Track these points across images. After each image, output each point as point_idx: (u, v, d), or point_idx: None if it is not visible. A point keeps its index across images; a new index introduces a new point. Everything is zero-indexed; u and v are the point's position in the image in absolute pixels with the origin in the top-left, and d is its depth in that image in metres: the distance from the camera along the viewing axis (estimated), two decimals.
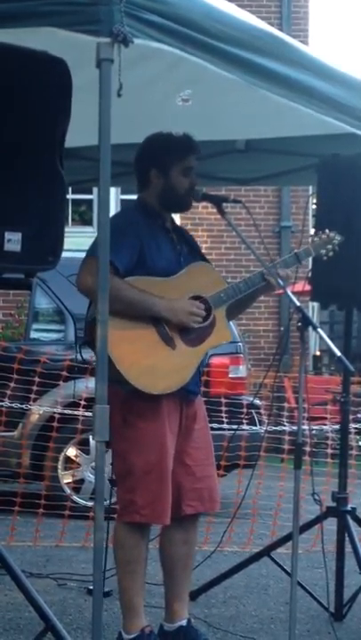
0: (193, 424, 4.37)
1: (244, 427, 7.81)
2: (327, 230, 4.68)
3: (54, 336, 8.69)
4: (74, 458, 8.08)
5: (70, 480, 8.09)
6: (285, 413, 9.23)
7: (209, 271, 4.47)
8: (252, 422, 8.13)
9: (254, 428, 8.04)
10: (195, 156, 4.38)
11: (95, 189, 8.29)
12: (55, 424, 7.67)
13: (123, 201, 12.66)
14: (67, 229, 3.71)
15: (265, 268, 4.45)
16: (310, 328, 4.17)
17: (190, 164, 4.35)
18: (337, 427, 6.64)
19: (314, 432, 8.46)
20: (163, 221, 4.36)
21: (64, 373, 7.61)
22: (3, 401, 7.66)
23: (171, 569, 4.46)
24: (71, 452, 8.05)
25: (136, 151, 4.42)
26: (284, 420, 8.85)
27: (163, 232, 4.33)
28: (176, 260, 4.31)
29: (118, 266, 4.05)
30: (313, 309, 13.67)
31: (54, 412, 7.76)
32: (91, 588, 4.87)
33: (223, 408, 7.87)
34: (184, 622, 4.45)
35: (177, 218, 16.35)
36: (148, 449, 4.18)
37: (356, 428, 7.58)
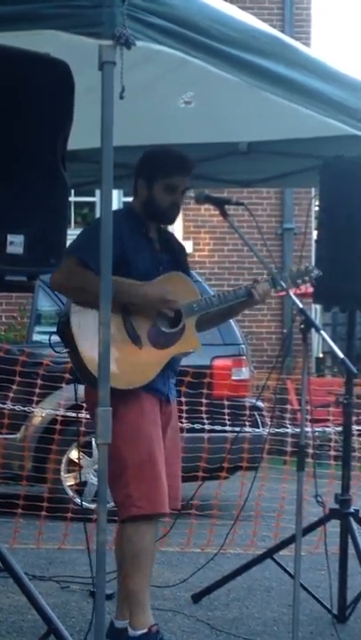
0: (169, 423, 4.46)
1: (247, 429, 7.81)
2: (308, 264, 4.77)
3: (57, 338, 8.68)
4: (76, 460, 8.08)
5: (73, 482, 8.08)
6: (288, 415, 9.24)
7: (184, 281, 4.53)
8: (254, 424, 8.13)
9: (257, 430, 8.03)
10: (184, 176, 4.43)
11: (98, 191, 8.29)
12: (58, 426, 7.67)
13: (125, 203, 12.60)
14: (69, 231, 3.72)
15: (270, 271, 4.52)
16: (313, 330, 4.17)
17: (176, 183, 4.40)
18: (340, 429, 6.64)
19: (317, 434, 8.45)
20: (146, 230, 4.42)
21: (66, 376, 7.59)
22: (5, 403, 7.66)
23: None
24: (74, 454, 8.04)
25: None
26: (287, 421, 8.84)
27: (145, 239, 4.41)
28: (155, 268, 4.39)
29: (93, 267, 4.10)
30: (316, 311, 13.68)
31: (57, 415, 7.76)
32: (93, 590, 4.88)
33: (226, 410, 7.88)
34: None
35: (179, 219, 16.27)
36: (136, 442, 4.26)
37: (359, 430, 7.56)
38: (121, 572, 4.39)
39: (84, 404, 4.67)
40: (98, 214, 11.82)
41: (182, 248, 4.67)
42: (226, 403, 7.96)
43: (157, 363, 4.34)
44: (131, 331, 4.29)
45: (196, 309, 4.44)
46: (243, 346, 8.62)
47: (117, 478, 4.26)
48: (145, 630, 4.24)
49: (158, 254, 4.44)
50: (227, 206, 4.51)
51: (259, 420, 8.26)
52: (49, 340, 4.50)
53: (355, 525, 5.15)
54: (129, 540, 4.26)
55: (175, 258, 4.55)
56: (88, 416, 4.96)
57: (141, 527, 4.25)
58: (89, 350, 4.15)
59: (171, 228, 15.88)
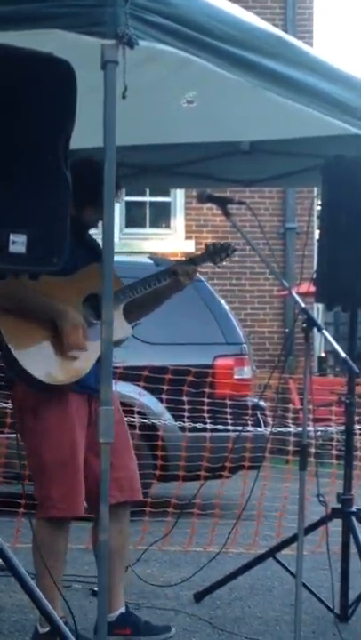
0: None
1: (249, 428, 7.81)
2: (224, 242, 4.76)
3: None
4: None
5: None
6: (290, 415, 9.23)
7: None
8: (256, 424, 8.13)
9: (259, 429, 8.04)
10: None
11: None
12: None
13: (127, 202, 12.67)
14: None
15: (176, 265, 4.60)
16: (315, 329, 4.18)
17: None
18: (342, 428, 6.64)
19: (319, 433, 8.45)
20: None
21: None
22: (8, 403, 7.65)
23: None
24: None
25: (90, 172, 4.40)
26: (289, 421, 8.84)
27: None
28: (73, 262, 4.27)
29: None
30: (318, 311, 13.68)
31: None
32: (95, 589, 4.88)
33: (228, 409, 7.87)
34: (123, 609, 4.57)
35: (182, 220, 16.13)
36: (58, 444, 4.30)
37: None
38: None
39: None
40: None
41: (94, 240, 4.60)
42: (228, 402, 7.96)
43: (90, 355, 4.32)
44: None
45: (121, 297, 4.46)
46: (245, 345, 8.62)
47: (38, 476, 4.37)
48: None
49: (74, 249, 4.41)
50: (229, 206, 4.52)
51: (261, 420, 8.26)
52: None
53: (357, 525, 5.15)
54: (43, 541, 4.33)
55: (90, 249, 4.53)
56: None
57: (55, 530, 4.34)
58: (19, 348, 4.20)
59: (174, 229, 15.91)
